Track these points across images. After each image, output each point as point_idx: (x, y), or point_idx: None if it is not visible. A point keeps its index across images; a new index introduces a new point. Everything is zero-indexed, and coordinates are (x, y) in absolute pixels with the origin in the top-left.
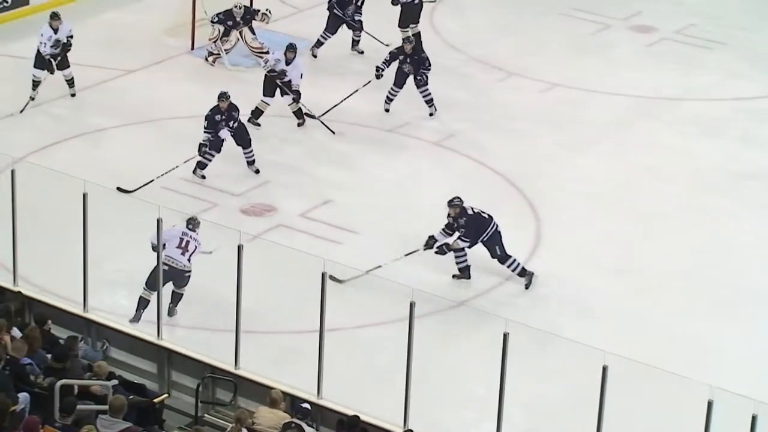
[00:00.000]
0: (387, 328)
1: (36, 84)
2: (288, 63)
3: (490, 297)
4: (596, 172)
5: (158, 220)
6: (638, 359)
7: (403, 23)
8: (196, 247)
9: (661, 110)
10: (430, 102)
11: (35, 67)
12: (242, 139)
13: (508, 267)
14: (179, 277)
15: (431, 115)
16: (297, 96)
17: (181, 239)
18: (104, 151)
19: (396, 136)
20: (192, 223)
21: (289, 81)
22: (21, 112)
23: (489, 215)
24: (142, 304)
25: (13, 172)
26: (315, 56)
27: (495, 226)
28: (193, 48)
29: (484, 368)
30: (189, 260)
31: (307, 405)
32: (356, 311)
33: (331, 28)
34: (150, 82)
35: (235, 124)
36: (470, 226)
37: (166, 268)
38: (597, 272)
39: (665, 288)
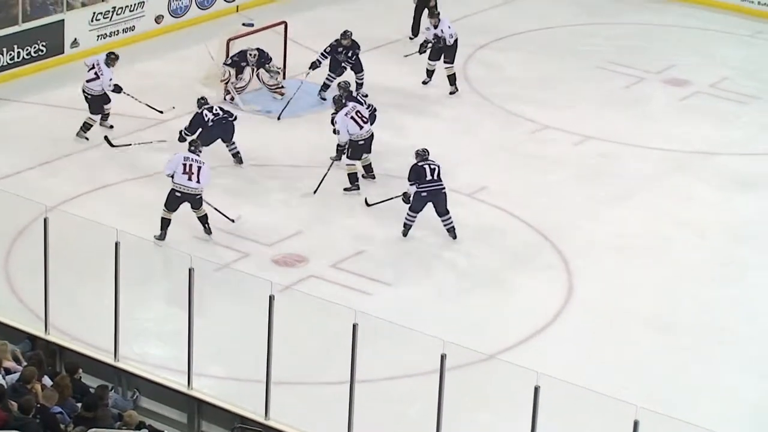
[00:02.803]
0: (418, 380)
1: (89, 127)
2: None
3: (521, 350)
4: (629, 226)
5: (190, 270)
6: (671, 414)
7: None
8: (200, 167)
9: (695, 164)
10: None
11: (95, 112)
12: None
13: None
14: (192, 200)
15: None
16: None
17: (185, 165)
18: (137, 200)
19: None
20: (194, 145)
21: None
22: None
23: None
24: (165, 223)
25: (46, 220)
26: (324, 99)
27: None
28: (225, 98)
29: (514, 421)
30: (198, 182)
31: None
32: (387, 363)
33: (334, 70)
34: None
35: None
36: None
37: (179, 194)
38: (629, 326)
39: (699, 343)
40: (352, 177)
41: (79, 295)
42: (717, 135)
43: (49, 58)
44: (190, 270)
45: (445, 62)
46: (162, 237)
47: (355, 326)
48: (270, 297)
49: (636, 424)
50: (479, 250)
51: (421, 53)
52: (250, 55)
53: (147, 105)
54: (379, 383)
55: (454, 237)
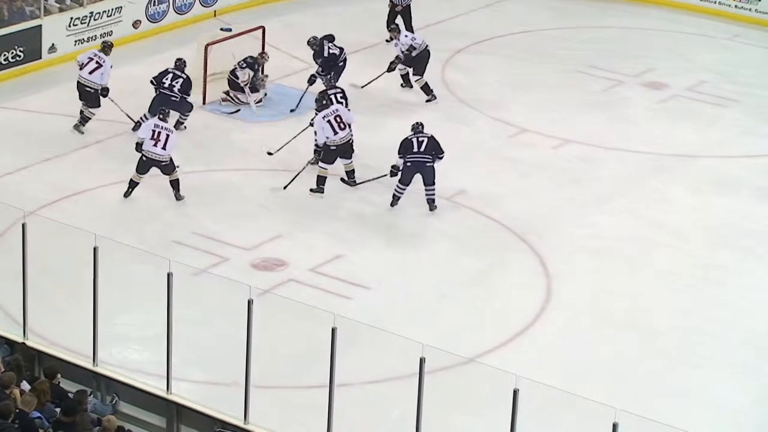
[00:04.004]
0: (397, 384)
1: (87, 120)
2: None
3: (500, 353)
4: (608, 229)
5: (168, 275)
6: (649, 416)
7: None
8: (168, 135)
9: (673, 167)
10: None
11: (94, 105)
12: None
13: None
14: (159, 165)
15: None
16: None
17: (153, 131)
18: (116, 205)
19: (407, 192)
20: (162, 113)
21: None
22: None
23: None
24: (131, 184)
25: (24, 225)
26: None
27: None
28: (204, 102)
29: (494, 424)
30: (164, 148)
31: None
32: (366, 366)
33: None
34: None
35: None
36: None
37: (146, 159)
38: (608, 329)
39: (679, 345)
40: (320, 179)
41: (58, 300)
42: (695, 138)
43: (26, 64)
44: (168, 274)
45: (413, 74)
46: (126, 194)
47: (334, 330)
48: (249, 301)
49: (615, 426)
50: (458, 253)
51: (390, 71)
52: (265, 57)
53: (126, 114)
54: (359, 387)
55: (431, 208)
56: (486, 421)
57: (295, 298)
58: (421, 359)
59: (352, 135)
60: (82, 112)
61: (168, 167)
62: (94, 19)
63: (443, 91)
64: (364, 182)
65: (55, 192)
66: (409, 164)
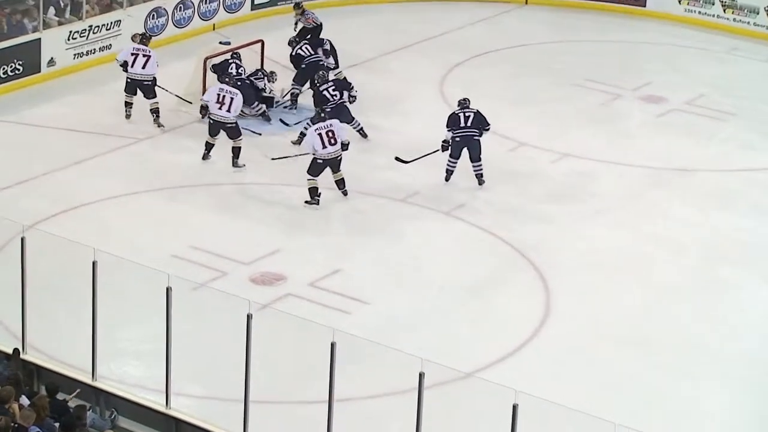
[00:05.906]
0: (396, 399)
1: (158, 112)
2: None
3: (499, 368)
4: (607, 243)
5: (168, 289)
6: (649, 431)
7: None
8: (232, 98)
9: (671, 181)
10: None
11: (154, 96)
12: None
13: None
14: (225, 128)
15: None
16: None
17: (218, 95)
18: (115, 219)
19: (406, 206)
20: (227, 76)
21: None
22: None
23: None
24: (207, 146)
25: (23, 240)
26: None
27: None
28: (203, 117)
29: None
30: (229, 111)
31: None
32: (366, 381)
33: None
34: (161, 150)
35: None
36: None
37: (212, 122)
38: (608, 343)
39: (678, 361)
40: (312, 191)
41: (57, 315)
42: (694, 152)
43: (26, 77)
44: (167, 289)
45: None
46: (204, 157)
47: (333, 345)
48: (248, 316)
49: None
50: (457, 268)
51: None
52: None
53: (181, 98)
54: (358, 402)
55: (480, 183)
56: None
57: (294, 312)
58: (420, 374)
59: (341, 152)
60: (128, 103)
61: (233, 130)
62: (93, 33)
63: (441, 104)
64: (415, 159)
65: (54, 206)
66: (457, 139)
